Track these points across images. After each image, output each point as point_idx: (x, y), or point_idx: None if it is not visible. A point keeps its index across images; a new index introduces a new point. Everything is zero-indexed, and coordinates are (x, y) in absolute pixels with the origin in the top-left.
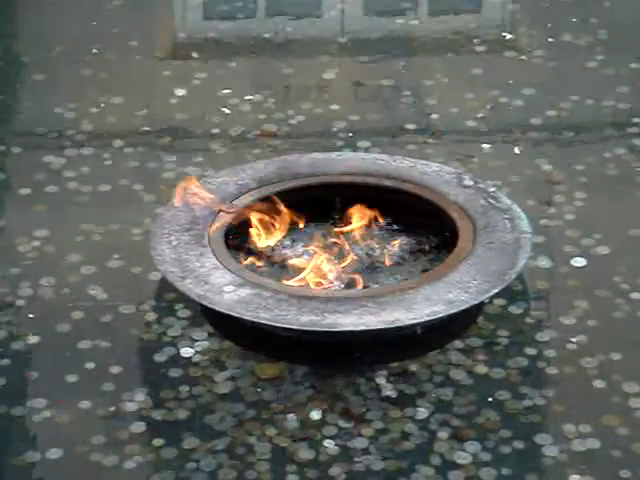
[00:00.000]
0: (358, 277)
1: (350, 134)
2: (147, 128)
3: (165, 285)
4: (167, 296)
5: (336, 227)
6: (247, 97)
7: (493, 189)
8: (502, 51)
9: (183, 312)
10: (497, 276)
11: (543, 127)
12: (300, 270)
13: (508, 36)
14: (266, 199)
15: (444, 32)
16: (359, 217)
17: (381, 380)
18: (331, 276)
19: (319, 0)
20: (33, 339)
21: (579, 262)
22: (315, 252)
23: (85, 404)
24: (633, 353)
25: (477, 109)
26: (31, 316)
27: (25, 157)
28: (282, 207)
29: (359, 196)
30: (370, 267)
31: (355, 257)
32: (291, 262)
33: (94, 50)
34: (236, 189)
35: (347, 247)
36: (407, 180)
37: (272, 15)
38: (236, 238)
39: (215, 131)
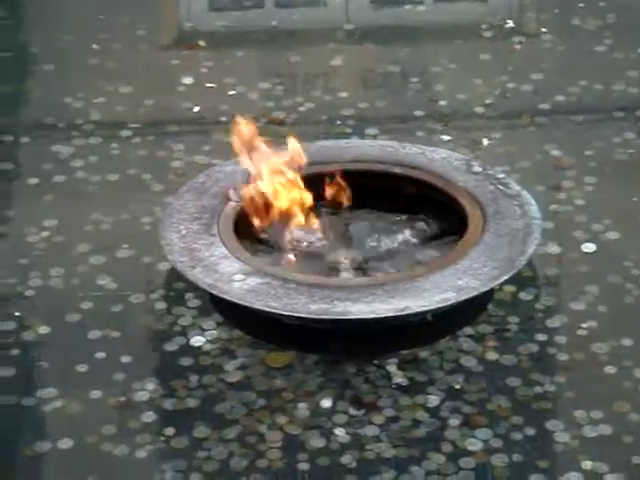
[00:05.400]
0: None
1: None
2: (155, 117)
3: (175, 274)
4: (177, 285)
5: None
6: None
7: (502, 175)
8: (510, 36)
9: (193, 301)
10: (507, 262)
11: (552, 112)
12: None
13: (510, 24)
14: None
15: (451, 18)
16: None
17: (392, 368)
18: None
19: None
20: (43, 329)
21: (589, 248)
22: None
23: (96, 394)
24: None
25: (485, 95)
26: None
27: (34, 147)
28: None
29: (368, 184)
30: (379, 255)
31: (364, 244)
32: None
33: (95, 46)
34: (245, 178)
35: (356, 234)
36: (416, 167)
37: (279, 3)
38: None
39: (223, 119)
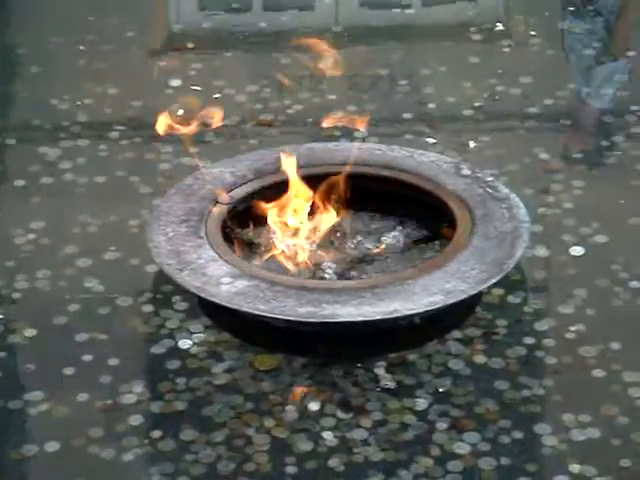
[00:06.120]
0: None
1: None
2: (143, 119)
3: (162, 277)
4: (164, 288)
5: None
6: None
7: (491, 178)
8: (499, 39)
9: (180, 304)
10: (495, 266)
11: (541, 115)
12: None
13: (500, 27)
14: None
15: (440, 21)
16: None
17: (380, 371)
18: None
19: None
20: (30, 332)
21: (577, 251)
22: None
23: (82, 397)
24: (632, 342)
25: (474, 98)
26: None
27: (20, 149)
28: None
29: (356, 186)
30: (367, 258)
31: (352, 247)
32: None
33: (83, 48)
34: (233, 180)
35: (344, 237)
36: (404, 170)
37: (268, 5)
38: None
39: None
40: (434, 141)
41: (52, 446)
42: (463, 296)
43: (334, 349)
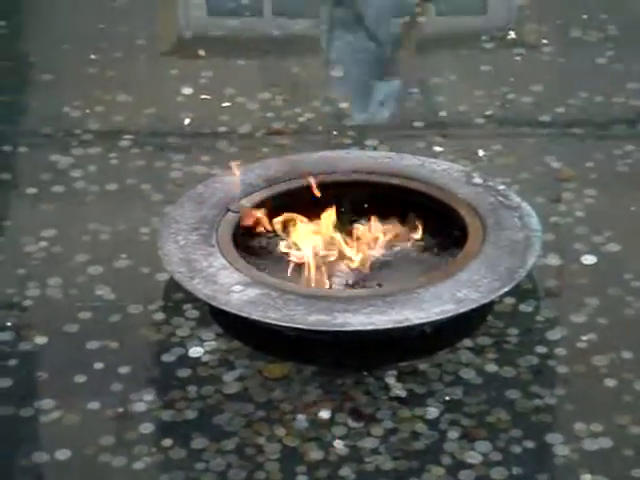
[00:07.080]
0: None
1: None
2: (154, 127)
3: (173, 285)
4: (175, 296)
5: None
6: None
7: (502, 187)
8: (511, 48)
9: (191, 312)
10: (507, 274)
11: (552, 124)
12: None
13: (512, 35)
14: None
15: (452, 29)
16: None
17: (390, 379)
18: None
19: None
20: (41, 340)
21: (589, 260)
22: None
23: (93, 405)
24: None
25: (486, 106)
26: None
27: (32, 156)
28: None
29: (367, 195)
30: (379, 266)
31: (364, 256)
32: (295, 260)
33: (93, 56)
34: (244, 188)
35: (355, 246)
36: (415, 178)
37: (278, 12)
38: (245, 237)
39: (222, 129)
40: (441, 149)
41: (63, 454)
42: (474, 305)
43: (345, 358)
